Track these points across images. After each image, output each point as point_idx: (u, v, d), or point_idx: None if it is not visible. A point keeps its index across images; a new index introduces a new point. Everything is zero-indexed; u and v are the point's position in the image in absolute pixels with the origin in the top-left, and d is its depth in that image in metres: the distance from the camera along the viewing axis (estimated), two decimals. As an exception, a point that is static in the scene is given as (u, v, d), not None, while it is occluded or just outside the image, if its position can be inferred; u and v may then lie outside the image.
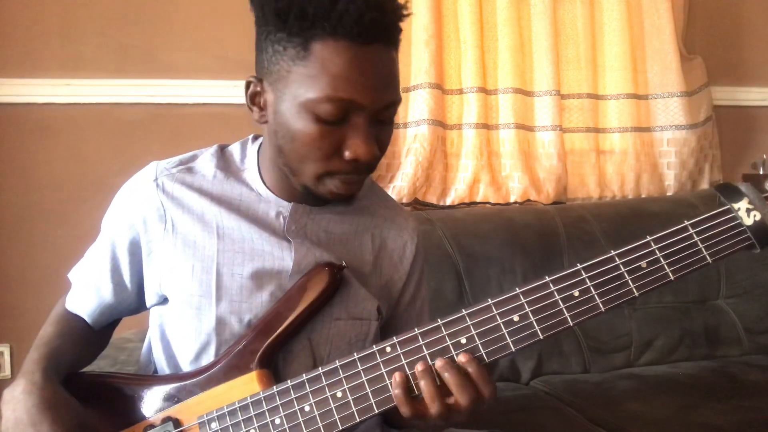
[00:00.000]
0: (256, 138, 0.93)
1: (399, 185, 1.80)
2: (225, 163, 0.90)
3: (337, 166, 0.78)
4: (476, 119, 1.84)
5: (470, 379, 0.70)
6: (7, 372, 1.67)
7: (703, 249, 0.69)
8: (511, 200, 1.88)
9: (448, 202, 1.86)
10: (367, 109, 0.76)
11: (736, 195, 0.71)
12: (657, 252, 0.70)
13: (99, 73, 1.68)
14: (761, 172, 0.74)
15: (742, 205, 0.70)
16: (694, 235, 0.70)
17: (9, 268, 1.66)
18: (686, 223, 0.70)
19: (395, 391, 0.71)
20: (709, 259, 0.69)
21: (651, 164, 1.99)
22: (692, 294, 1.73)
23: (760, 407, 1.36)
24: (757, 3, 2.13)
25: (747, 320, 1.72)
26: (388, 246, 0.93)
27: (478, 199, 1.87)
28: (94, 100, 1.68)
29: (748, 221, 0.69)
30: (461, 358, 0.70)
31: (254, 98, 0.83)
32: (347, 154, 0.77)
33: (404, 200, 1.79)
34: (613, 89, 1.97)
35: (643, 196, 1.99)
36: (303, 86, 0.75)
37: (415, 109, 1.81)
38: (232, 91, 1.70)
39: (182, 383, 0.82)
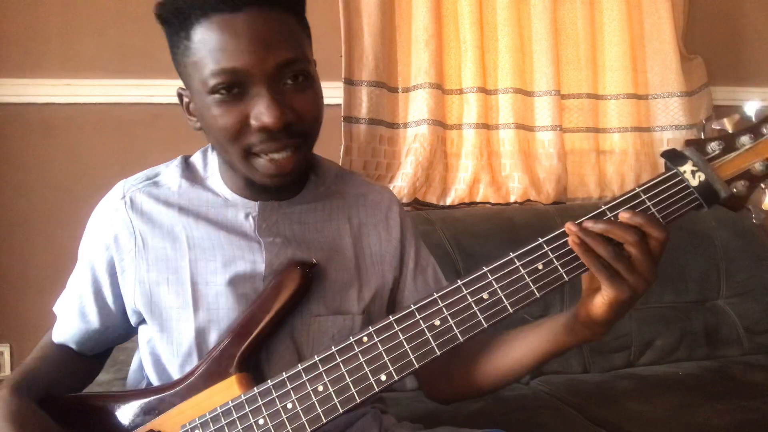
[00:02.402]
0: None
1: (399, 185, 1.80)
2: (189, 173, 0.90)
3: (251, 139, 0.77)
4: (476, 119, 1.84)
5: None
6: (7, 372, 1.67)
7: (656, 213, 0.72)
8: (511, 200, 1.88)
9: (448, 202, 1.86)
10: (258, 71, 0.74)
11: (681, 159, 0.73)
12: (613, 219, 0.71)
13: (99, 73, 1.68)
14: (702, 137, 0.75)
15: (687, 168, 0.73)
16: (646, 201, 0.72)
17: (9, 268, 1.66)
18: (637, 189, 0.73)
19: (601, 262, 0.69)
20: (663, 222, 0.72)
21: (651, 164, 1.99)
22: (692, 294, 1.73)
23: (760, 407, 1.36)
24: (757, 3, 2.13)
25: (747, 320, 1.72)
26: (368, 222, 0.92)
27: (478, 199, 1.87)
28: (94, 100, 1.68)
29: (694, 182, 0.72)
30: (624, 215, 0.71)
31: (189, 110, 0.84)
32: (253, 123, 0.76)
33: (404, 200, 1.79)
34: (613, 89, 1.97)
35: (643, 196, 1.98)
36: (196, 74, 0.76)
37: (415, 109, 1.81)
38: (232, 91, 1.70)
39: (162, 395, 0.82)
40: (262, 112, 0.75)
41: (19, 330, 1.64)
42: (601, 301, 0.72)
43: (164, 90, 1.68)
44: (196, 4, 0.74)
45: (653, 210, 0.72)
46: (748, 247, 1.78)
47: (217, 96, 0.75)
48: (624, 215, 0.71)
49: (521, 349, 0.85)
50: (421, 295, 0.92)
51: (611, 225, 0.70)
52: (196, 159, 0.92)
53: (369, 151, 1.80)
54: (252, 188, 0.86)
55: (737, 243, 1.77)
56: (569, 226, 0.71)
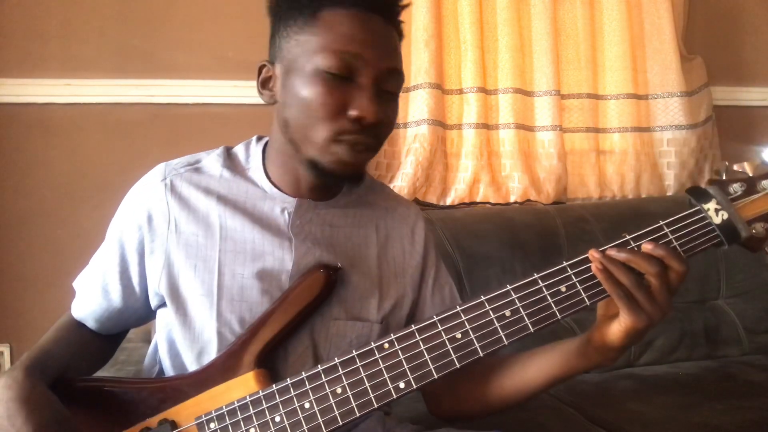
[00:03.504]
0: (259, 139, 0.95)
1: (399, 185, 1.80)
2: (231, 163, 0.91)
3: (343, 125, 0.79)
4: (476, 119, 1.84)
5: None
6: (7, 372, 1.67)
7: (677, 246, 0.74)
8: (511, 200, 1.88)
9: (448, 202, 1.86)
10: (372, 67, 0.79)
11: (705, 197, 0.77)
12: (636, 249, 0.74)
13: (99, 73, 1.68)
14: (724, 178, 0.80)
15: (711, 206, 0.76)
16: (669, 234, 0.75)
17: (9, 268, 1.66)
18: (661, 223, 0.75)
19: (622, 291, 0.72)
20: (683, 256, 0.74)
21: (651, 164, 1.99)
22: (692, 294, 1.73)
23: (760, 407, 1.36)
24: (757, 3, 2.13)
25: (747, 320, 1.72)
26: (394, 235, 0.94)
27: (478, 199, 1.87)
28: (94, 100, 1.68)
29: (717, 220, 0.75)
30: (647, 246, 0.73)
31: (265, 83, 0.86)
32: (352, 112, 0.79)
33: (404, 200, 1.79)
34: (613, 89, 1.97)
35: (643, 196, 1.99)
36: (311, 50, 0.79)
37: (415, 109, 1.81)
38: (232, 91, 1.70)
39: (178, 385, 0.82)
40: (365, 105, 0.79)
41: (19, 330, 1.64)
42: (617, 327, 0.74)
43: (164, 90, 1.68)
44: None
45: (675, 244, 0.74)
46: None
47: (327, 75, 0.78)
48: (647, 246, 0.73)
49: (531, 371, 0.86)
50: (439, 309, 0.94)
51: (634, 255, 0.72)
52: (239, 150, 0.94)
53: (369, 150, 1.80)
54: (294, 184, 0.88)
55: (736, 245, 1.77)
56: (593, 253, 0.73)
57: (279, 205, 0.87)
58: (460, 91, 1.87)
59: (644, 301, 0.72)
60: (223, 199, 0.87)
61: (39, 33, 1.65)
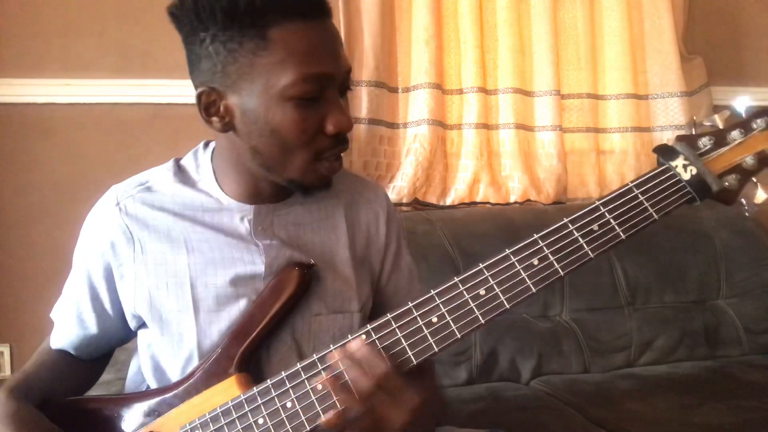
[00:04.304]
0: (207, 144, 0.92)
1: (399, 185, 1.80)
2: (182, 176, 0.89)
3: (323, 144, 0.78)
4: (476, 119, 1.84)
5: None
6: (7, 372, 1.67)
7: (648, 207, 0.73)
8: (511, 200, 1.88)
9: (448, 202, 1.86)
10: (337, 78, 0.78)
11: (673, 154, 0.75)
12: (607, 215, 0.73)
13: (99, 73, 1.68)
14: (694, 133, 0.77)
15: (678, 162, 0.74)
16: (639, 195, 0.73)
17: (9, 268, 1.66)
18: (630, 184, 0.74)
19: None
20: (656, 216, 0.73)
21: (651, 164, 1.96)
22: (692, 294, 1.73)
23: (760, 407, 1.36)
24: (757, 3, 2.13)
25: (747, 320, 1.72)
26: (361, 221, 0.93)
27: (478, 199, 1.87)
28: (94, 100, 1.68)
29: (686, 176, 0.73)
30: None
31: (209, 109, 0.79)
32: (330, 128, 0.77)
33: (404, 200, 1.79)
34: (613, 89, 1.97)
35: (643, 196, 1.98)
36: (273, 75, 0.74)
37: (415, 109, 1.81)
38: (232, 91, 1.70)
39: (162, 397, 0.82)
40: (339, 118, 0.77)
41: (18, 330, 1.64)
42: None
43: (164, 90, 1.67)
44: (277, 4, 0.73)
45: (646, 204, 0.73)
46: (748, 247, 1.78)
47: (299, 101, 0.75)
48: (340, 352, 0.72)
49: None
50: (393, 295, 0.92)
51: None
52: (188, 161, 0.91)
53: (369, 151, 1.80)
54: (248, 192, 0.86)
55: (737, 243, 1.78)
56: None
57: (237, 214, 0.86)
58: (460, 91, 1.87)
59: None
60: (180, 215, 0.86)
61: (39, 33, 1.65)
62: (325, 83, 0.76)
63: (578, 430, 1.30)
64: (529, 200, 1.88)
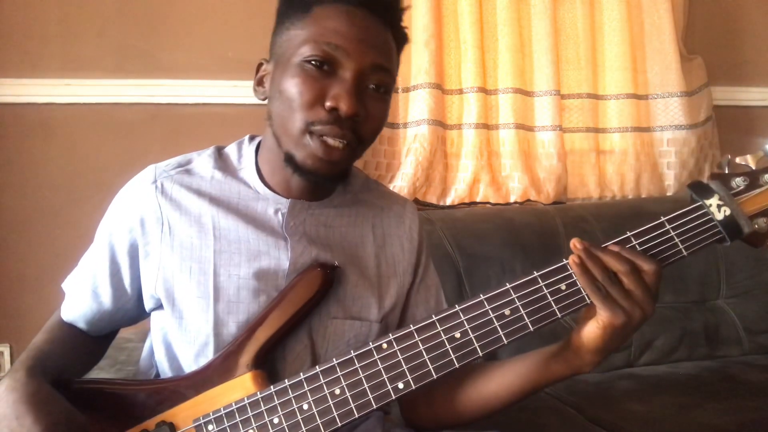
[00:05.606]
0: (252, 138, 0.94)
1: (399, 185, 1.80)
2: (222, 164, 0.90)
3: (318, 115, 0.78)
4: (476, 119, 1.84)
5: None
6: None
7: (679, 243, 0.74)
8: (511, 200, 1.88)
9: (448, 202, 1.86)
10: (355, 60, 0.78)
11: (707, 192, 0.75)
12: (638, 247, 0.74)
13: (99, 73, 1.68)
14: (727, 172, 0.78)
15: (713, 202, 0.74)
16: (671, 230, 0.74)
17: (9, 268, 1.66)
18: (663, 219, 0.74)
19: (595, 289, 0.71)
20: (685, 252, 0.74)
21: (651, 164, 1.99)
22: (692, 294, 1.73)
23: (760, 407, 1.36)
24: (757, 3, 2.13)
25: (747, 320, 1.72)
26: (391, 234, 0.94)
27: (478, 199, 1.87)
28: (94, 100, 1.68)
29: (719, 216, 0.74)
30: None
31: (261, 81, 0.87)
32: (328, 103, 0.78)
33: (404, 200, 1.79)
34: (613, 89, 1.97)
35: (643, 196, 1.99)
36: (298, 44, 0.80)
37: (415, 109, 1.81)
38: (231, 91, 1.70)
39: (176, 387, 0.81)
40: (340, 96, 0.78)
41: (18, 330, 1.64)
42: (595, 326, 0.73)
43: (164, 90, 1.68)
44: None
45: (677, 240, 0.74)
46: (748, 247, 1.77)
47: (307, 65, 0.79)
48: (613, 247, 0.73)
49: (509, 376, 0.85)
50: (420, 312, 0.92)
51: (605, 253, 0.72)
52: (231, 150, 0.93)
53: (369, 151, 1.79)
54: (286, 184, 0.87)
55: (737, 243, 1.77)
56: (575, 243, 0.73)
57: (272, 206, 0.87)
58: (460, 91, 1.87)
59: (619, 296, 0.71)
60: (215, 201, 0.86)
61: (39, 33, 1.65)
62: (340, 58, 0.78)
63: (578, 430, 1.30)
64: (529, 200, 1.88)
